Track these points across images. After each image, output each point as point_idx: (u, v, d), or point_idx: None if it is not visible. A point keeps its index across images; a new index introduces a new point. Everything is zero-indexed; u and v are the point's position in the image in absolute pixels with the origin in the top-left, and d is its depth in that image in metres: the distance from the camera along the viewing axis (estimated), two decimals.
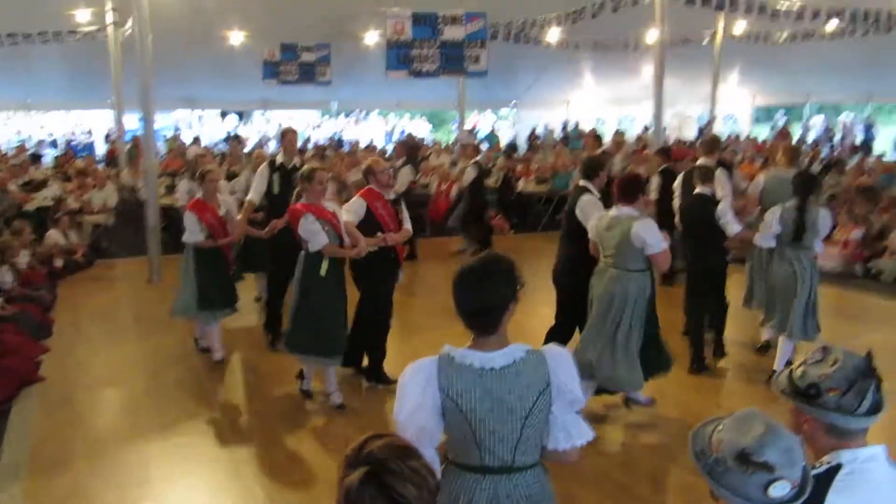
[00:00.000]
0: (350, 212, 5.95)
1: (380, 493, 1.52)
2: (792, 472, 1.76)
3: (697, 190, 6.60)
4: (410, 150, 11.94)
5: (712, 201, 6.45)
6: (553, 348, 2.46)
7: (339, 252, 5.69)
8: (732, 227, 6.28)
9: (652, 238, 5.09)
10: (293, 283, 5.89)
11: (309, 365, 6.01)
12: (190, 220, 6.59)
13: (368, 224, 5.92)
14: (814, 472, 1.92)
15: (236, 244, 7.37)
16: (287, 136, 7.56)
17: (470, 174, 11.38)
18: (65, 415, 5.82)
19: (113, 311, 8.82)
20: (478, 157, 11.80)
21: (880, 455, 2.01)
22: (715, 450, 1.83)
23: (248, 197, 7.19)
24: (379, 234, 5.93)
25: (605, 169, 6.08)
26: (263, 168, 7.28)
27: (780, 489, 1.75)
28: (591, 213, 5.55)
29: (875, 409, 1.99)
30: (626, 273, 5.20)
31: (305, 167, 5.91)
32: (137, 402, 6.09)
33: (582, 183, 5.87)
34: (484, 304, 2.36)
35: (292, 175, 7.08)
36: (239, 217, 6.93)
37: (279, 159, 7.31)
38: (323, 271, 5.62)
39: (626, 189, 5.26)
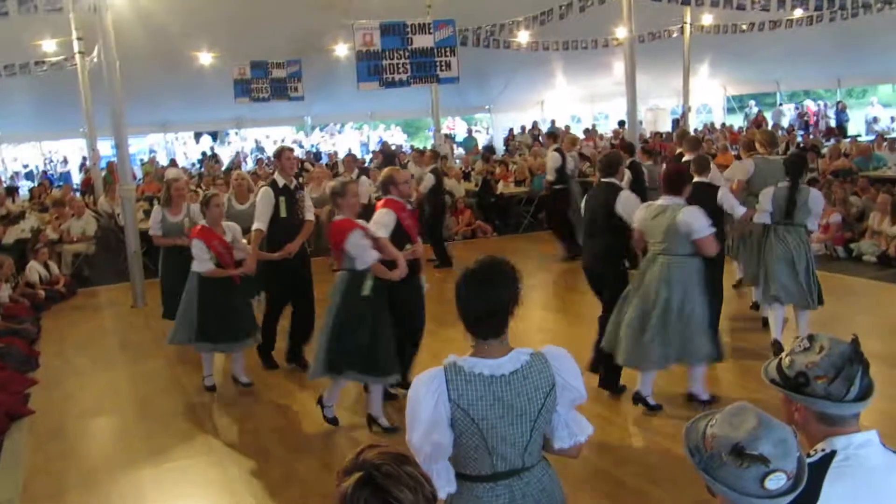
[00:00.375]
0: (382, 225, 5.65)
1: (375, 497, 1.51)
2: (787, 464, 1.76)
3: (696, 179, 6.72)
4: (387, 158, 11.95)
5: (713, 188, 6.61)
6: (552, 349, 2.48)
7: (385, 273, 5.44)
8: (738, 209, 6.51)
9: (698, 223, 5.33)
10: (330, 305, 5.52)
11: (336, 386, 5.69)
12: (198, 247, 6.24)
13: (396, 235, 5.69)
14: (808, 460, 1.91)
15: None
16: (284, 155, 7.04)
17: (428, 181, 11.26)
18: (56, 447, 5.75)
19: (98, 339, 8.75)
20: (436, 164, 11.70)
21: (874, 440, 2.01)
22: (709, 446, 1.82)
23: (256, 226, 6.73)
24: (408, 246, 5.73)
25: (623, 164, 6.47)
26: (266, 192, 6.82)
27: (776, 481, 1.74)
28: (635, 205, 5.81)
29: (864, 394, 1.99)
30: (675, 258, 5.43)
31: (335, 182, 5.76)
32: (128, 430, 6.04)
33: (608, 180, 6.11)
34: (492, 306, 2.36)
35: (297, 195, 6.89)
36: (246, 244, 6.61)
37: (280, 180, 6.87)
38: (367, 290, 5.37)
39: (674, 180, 5.57)
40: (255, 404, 6.36)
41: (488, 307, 2.36)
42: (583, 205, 6.40)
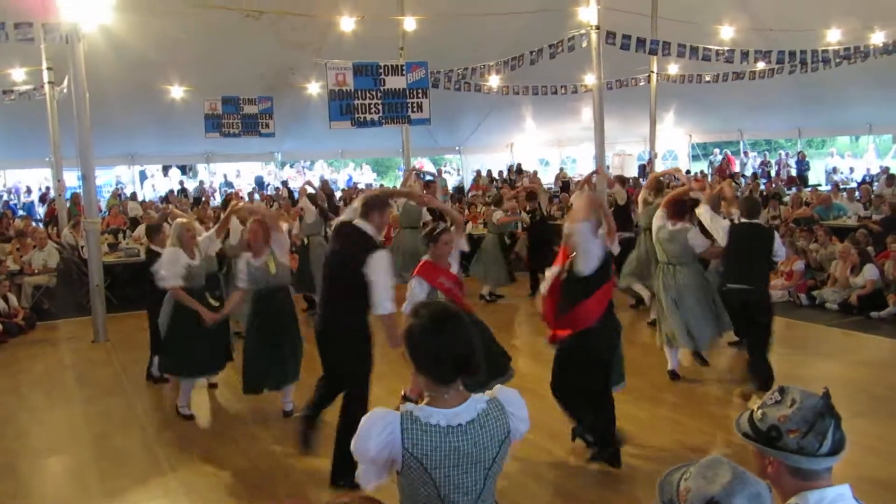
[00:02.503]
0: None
1: None
2: None
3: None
4: (327, 196, 11.89)
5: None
6: (506, 392, 2.46)
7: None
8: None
9: None
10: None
11: None
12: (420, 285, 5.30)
13: None
14: None
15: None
16: (387, 210, 5.45)
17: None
18: (7, 486, 5.55)
19: (56, 374, 8.53)
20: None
21: (847, 494, 2.00)
22: (682, 499, 1.79)
23: None
24: None
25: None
26: None
27: None
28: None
29: (837, 448, 1.98)
30: None
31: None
32: (83, 470, 5.85)
33: (753, 221, 6.79)
34: (470, 347, 2.33)
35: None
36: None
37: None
38: None
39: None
40: (216, 445, 6.22)
41: (470, 350, 2.33)
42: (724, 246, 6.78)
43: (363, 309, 4.88)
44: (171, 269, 6.58)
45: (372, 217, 4.98)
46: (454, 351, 2.31)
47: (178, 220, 6.98)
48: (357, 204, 5.11)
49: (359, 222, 4.98)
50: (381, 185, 24.30)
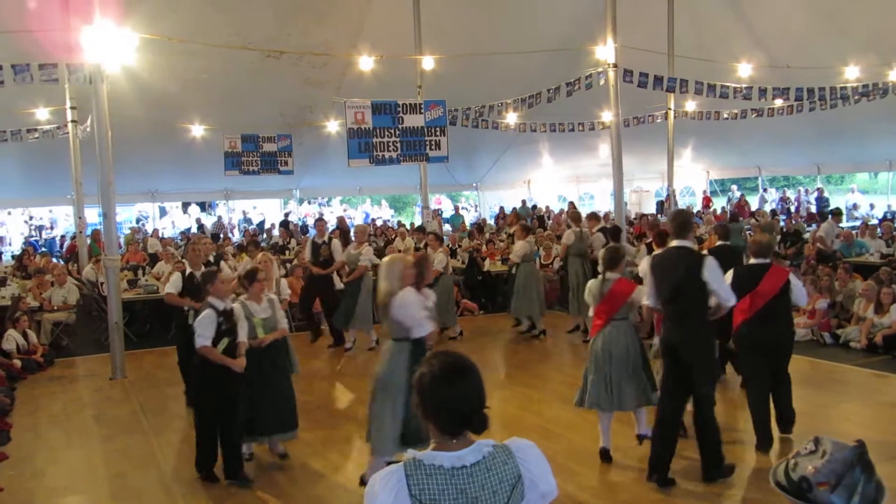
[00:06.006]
0: None
1: None
2: None
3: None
4: (343, 233, 11.95)
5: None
6: (517, 440, 2.37)
7: None
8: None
9: None
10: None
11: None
12: None
13: None
14: None
15: None
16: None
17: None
18: None
19: (74, 412, 8.51)
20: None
21: None
22: None
23: None
24: None
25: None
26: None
27: None
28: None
29: (870, 502, 1.91)
30: None
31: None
32: None
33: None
34: (480, 400, 2.27)
35: None
36: None
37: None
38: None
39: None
40: (234, 486, 6.15)
41: (478, 402, 2.27)
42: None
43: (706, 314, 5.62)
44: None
45: (689, 233, 5.75)
46: (461, 405, 2.25)
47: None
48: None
49: (676, 242, 5.72)
50: (399, 222, 24.31)
